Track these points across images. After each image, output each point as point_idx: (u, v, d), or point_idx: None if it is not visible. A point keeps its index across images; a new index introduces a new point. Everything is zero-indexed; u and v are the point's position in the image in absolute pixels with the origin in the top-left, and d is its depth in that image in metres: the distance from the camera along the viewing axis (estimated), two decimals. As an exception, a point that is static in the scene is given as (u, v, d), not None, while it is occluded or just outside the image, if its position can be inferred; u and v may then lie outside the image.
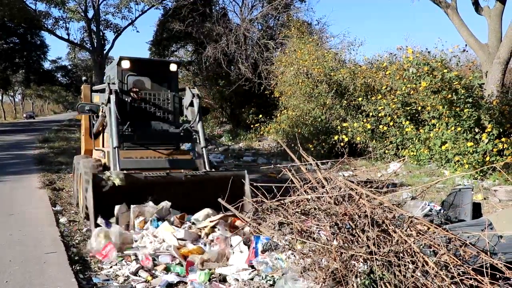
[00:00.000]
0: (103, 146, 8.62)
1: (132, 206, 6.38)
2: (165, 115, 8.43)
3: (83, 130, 9.39)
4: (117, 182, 6.46)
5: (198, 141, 7.90)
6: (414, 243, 3.56)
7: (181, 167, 7.67)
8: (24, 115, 69.36)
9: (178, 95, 8.61)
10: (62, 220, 7.37)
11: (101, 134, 8.88)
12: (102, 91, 8.40)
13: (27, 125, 42.33)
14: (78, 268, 5.07)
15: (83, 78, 10.92)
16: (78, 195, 8.31)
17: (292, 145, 14.60)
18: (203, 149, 7.70)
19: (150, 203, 6.49)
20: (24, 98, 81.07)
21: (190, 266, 4.97)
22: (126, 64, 7.93)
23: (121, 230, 5.86)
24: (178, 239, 5.67)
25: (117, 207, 6.36)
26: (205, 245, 5.63)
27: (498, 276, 3.57)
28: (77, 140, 21.26)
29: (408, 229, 3.79)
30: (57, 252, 5.60)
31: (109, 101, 7.37)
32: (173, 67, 8.41)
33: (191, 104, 8.14)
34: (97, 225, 6.12)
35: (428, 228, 3.90)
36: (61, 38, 35.41)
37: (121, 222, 6.30)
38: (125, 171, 6.68)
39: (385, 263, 3.50)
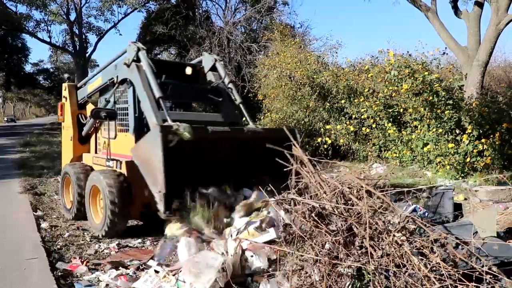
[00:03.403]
0: (95, 152, 8.20)
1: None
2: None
3: (71, 134, 8.69)
4: (186, 136, 5.56)
5: (233, 97, 7.56)
6: (407, 246, 3.54)
7: (222, 122, 7.19)
8: (5, 119, 68.51)
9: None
10: (44, 225, 7.28)
11: (93, 138, 8.45)
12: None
13: (8, 129, 41.73)
14: (59, 274, 5.02)
15: (66, 75, 10.17)
16: (67, 203, 8.18)
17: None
18: (241, 105, 7.45)
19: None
20: (5, 101, 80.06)
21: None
22: None
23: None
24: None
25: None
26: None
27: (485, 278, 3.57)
28: (59, 144, 21.03)
29: (402, 230, 3.73)
30: (38, 258, 5.52)
31: (137, 59, 6.68)
32: (188, 71, 7.69)
33: (213, 69, 7.78)
34: (167, 194, 5.31)
35: (420, 228, 3.89)
36: (42, 41, 35.21)
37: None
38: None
39: (378, 267, 3.50)
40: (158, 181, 5.40)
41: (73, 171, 7.76)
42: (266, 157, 5.67)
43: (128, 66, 6.77)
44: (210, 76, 7.83)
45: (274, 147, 4.83)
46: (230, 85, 7.58)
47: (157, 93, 6.28)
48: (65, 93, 8.96)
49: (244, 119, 7.66)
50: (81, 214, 7.58)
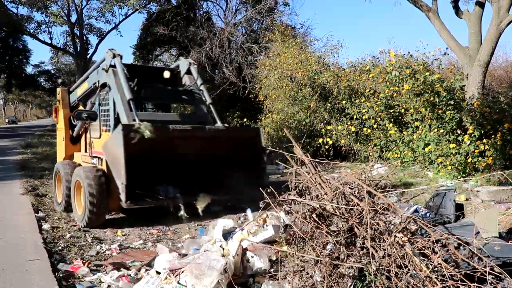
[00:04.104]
0: (85, 151, 8.63)
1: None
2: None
3: (63, 135, 9.46)
4: (147, 134, 6.29)
5: (203, 98, 8.16)
6: (409, 247, 3.53)
7: (190, 122, 7.96)
8: (6, 120, 68.53)
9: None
10: (45, 226, 7.28)
11: (82, 138, 9.03)
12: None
13: (9, 130, 41.76)
14: (61, 275, 5.01)
15: (59, 80, 11.56)
16: (59, 197, 8.74)
17: (277, 148, 14.65)
18: (211, 105, 8.02)
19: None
20: (6, 103, 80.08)
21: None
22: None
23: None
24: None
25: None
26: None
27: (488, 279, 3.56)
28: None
29: (404, 231, 3.73)
30: (39, 259, 5.52)
31: (113, 65, 7.52)
32: (166, 74, 8.45)
33: (188, 72, 8.48)
34: (128, 185, 6.22)
35: (421, 228, 3.88)
36: (43, 42, 35.18)
37: None
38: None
39: (379, 268, 3.49)
40: (121, 174, 6.24)
41: (63, 168, 8.43)
42: (229, 154, 7.03)
43: (106, 71, 7.59)
44: (185, 79, 8.55)
45: (276, 149, 5.20)
46: (202, 87, 8.25)
47: (128, 95, 7.03)
48: (58, 97, 9.70)
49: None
50: (69, 207, 8.15)
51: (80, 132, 8.95)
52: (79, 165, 8.43)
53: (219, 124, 7.80)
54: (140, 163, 6.29)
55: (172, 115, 8.71)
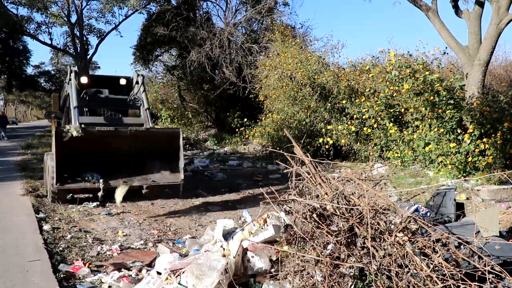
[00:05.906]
0: None
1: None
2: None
3: (53, 131, 11.20)
4: (74, 133, 8.10)
5: (142, 104, 9.82)
6: (409, 247, 3.54)
7: (131, 124, 9.63)
8: (7, 121, 68.45)
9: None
10: (46, 227, 7.27)
11: None
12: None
13: (9, 131, 41.70)
14: (62, 276, 5.02)
15: (53, 88, 14.52)
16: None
17: (277, 148, 14.66)
18: (147, 110, 9.66)
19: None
20: (6, 104, 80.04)
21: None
22: (84, 80, 9.72)
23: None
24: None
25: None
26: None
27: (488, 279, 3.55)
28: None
29: (404, 230, 3.74)
30: (40, 259, 5.52)
31: (70, 78, 9.41)
32: (122, 81, 10.36)
33: (137, 82, 10.09)
34: (59, 178, 8.19)
35: (420, 228, 3.89)
36: (43, 43, 35.08)
37: None
38: (82, 125, 8.48)
39: (380, 267, 3.49)
40: (53, 163, 8.12)
41: (45, 157, 10.12)
42: (150, 149, 8.95)
43: (68, 83, 9.53)
44: (136, 87, 10.18)
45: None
46: (143, 95, 9.93)
47: (75, 103, 9.03)
48: (51, 101, 12.29)
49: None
50: None
51: None
52: None
53: (149, 125, 9.46)
54: (74, 156, 8.28)
55: (118, 119, 10.28)
